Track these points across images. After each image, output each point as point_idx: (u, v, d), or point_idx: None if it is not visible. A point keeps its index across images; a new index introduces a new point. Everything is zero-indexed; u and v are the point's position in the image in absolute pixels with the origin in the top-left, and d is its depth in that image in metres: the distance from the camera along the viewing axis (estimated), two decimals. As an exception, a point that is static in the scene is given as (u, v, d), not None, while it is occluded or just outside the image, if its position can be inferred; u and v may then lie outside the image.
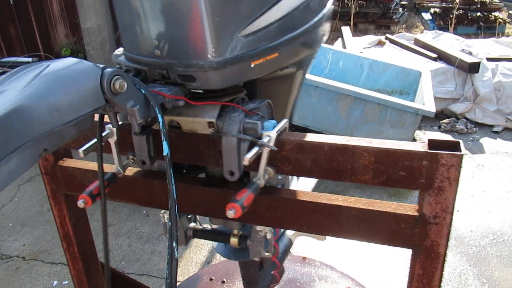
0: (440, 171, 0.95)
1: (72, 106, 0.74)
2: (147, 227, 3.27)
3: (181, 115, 1.03)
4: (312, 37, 1.08)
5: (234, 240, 1.34)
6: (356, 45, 5.91)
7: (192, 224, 1.40)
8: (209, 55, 0.89)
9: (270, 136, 0.97)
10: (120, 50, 1.14)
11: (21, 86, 0.68)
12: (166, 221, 1.36)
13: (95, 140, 1.05)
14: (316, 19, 1.05)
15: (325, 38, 1.16)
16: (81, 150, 1.02)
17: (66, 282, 2.72)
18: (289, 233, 1.51)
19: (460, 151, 0.95)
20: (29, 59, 7.15)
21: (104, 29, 5.90)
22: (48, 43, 7.40)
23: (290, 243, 1.50)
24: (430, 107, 3.80)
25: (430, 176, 0.96)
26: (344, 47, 5.90)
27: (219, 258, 2.87)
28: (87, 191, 1.04)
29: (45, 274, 2.80)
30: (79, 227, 1.50)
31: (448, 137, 4.47)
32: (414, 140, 4.34)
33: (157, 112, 0.88)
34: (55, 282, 2.72)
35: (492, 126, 4.56)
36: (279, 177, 1.16)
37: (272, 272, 1.62)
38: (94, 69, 0.78)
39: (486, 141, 4.33)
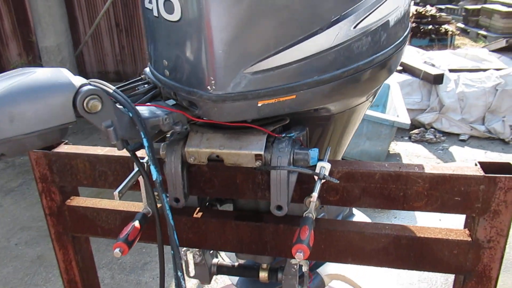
0: (497, 194, 0.94)
1: (36, 118, 0.74)
2: (129, 256, 3.08)
3: (224, 147, 0.95)
4: (352, 82, 0.91)
5: (263, 275, 1.26)
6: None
7: (215, 260, 1.31)
8: (208, 87, 0.82)
9: (325, 167, 0.92)
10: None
11: None
12: (189, 259, 1.26)
13: (128, 179, 0.95)
14: (361, 63, 0.89)
15: (377, 83, 1.02)
16: (116, 192, 0.91)
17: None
18: (323, 273, 1.44)
19: (516, 174, 0.94)
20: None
21: (64, 48, 5.63)
22: (0, 62, 6.97)
23: (322, 285, 1.43)
24: (404, 119, 3.90)
25: (487, 200, 0.95)
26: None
27: (211, 286, 2.75)
28: (123, 238, 0.93)
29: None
30: (86, 272, 1.36)
31: (419, 147, 4.60)
32: (388, 151, 4.44)
33: (142, 135, 0.84)
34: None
35: (458, 134, 4.75)
36: (320, 207, 1.10)
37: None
38: (69, 85, 0.77)
39: (455, 150, 4.50)
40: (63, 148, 1.18)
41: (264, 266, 1.27)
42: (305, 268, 1.19)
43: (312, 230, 0.90)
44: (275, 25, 0.81)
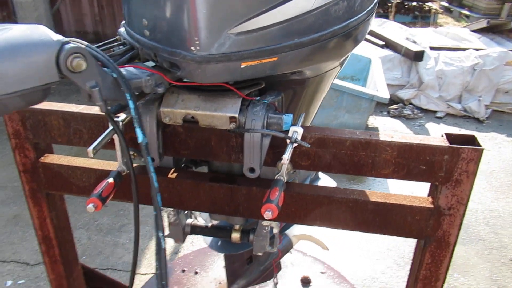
0: (459, 165, 0.98)
1: (18, 77, 0.72)
2: (106, 218, 3.11)
3: (199, 109, 0.96)
4: (330, 46, 0.94)
5: (236, 236, 1.30)
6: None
7: (190, 220, 1.34)
8: (192, 47, 0.82)
9: (297, 131, 0.94)
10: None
11: None
12: (171, 220, 1.28)
13: (102, 136, 0.95)
14: (337, 26, 0.93)
15: (350, 47, 1.04)
16: (90, 149, 0.91)
17: (22, 281, 2.52)
18: (291, 234, 1.49)
19: (480, 145, 0.98)
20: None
21: (40, 4, 5.41)
22: (-28, 18, 6.67)
23: (289, 245, 1.48)
24: (384, 93, 3.95)
25: (450, 170, 0.99)
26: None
27: (187, 248, 2.81)
28: (96, 194, 0.94)
29: (-7, 274, 2.57)
30: (60, 229, 1.38)
31: (397, 122, 4.69)
32: (366, 125, 4.51)
33: (128, 97, 0.83)
34: (9, 282, 2.51)
35: (435, 112, 4.85)
36: (292, 171, 1.13)
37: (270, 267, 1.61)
38: (52, 42, 0.74)
39: (431, 126, 4.61)
40: (38, 105, 1.17)
41: (237, 227, 1.30)
42: (275, 230, 1.23)
43: (282, 192, 0.92)
44: None
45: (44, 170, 1.23)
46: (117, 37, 1.04)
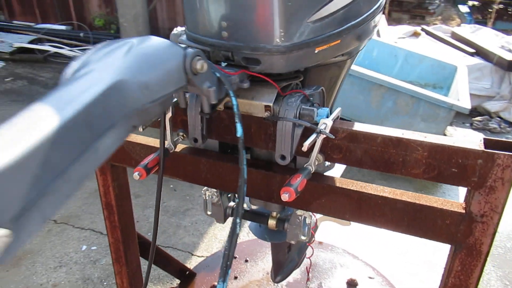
0: (494, 171, 0.95)
1: (159, 85, 0.75)
2: (173, 201, 3.34)
3: (238, 97, 1.05)
4: (369, 26, 1.08)
5: (272, 222, 1.37)
6: (391, 34, 5.79)
7: (232, 203, 1.44)
8: (277, 39, 0.90)
9: (326, 123, 0.98)
10: (178, 29, 1.15)
11: (113, 63, 0.69)
12: (207, 198, 1.39)
13: (152, 115, 1.08)
14: (374, 8, 1.06)
15: (376, 29, 1.17)
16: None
17: (95, 247, 2.82)
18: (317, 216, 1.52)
19: (517, 153, 0.95)
20: (63, 27, 7.25)
21: (138, 2, 5.91)
22: (82, 12, 7.47)
23: (315, 228, 1.51)
24: (465, 103, 3.72)
25: (483, 175, 0.97)
26: (379, 35, 5.79)
27: (242, 238, 2.92)
28: (143, 164, 1.08)
29: (75, 238, 2.91)
30: (121, 198, 1.55)
31: (480, 135, 4.38)
32: (444, 135, 4.28)
33: (232, 95, 0.90)
34: (84, 247, 2.82)
35: (526, 127, 4.46)
36: (326, 164, 1.17)
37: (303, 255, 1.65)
38: (178, 49, 0.79)
39: (519, 142, 4.23)
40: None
41: (274, 214, 1.37)
42: (308, 220, 1.28)
43: (305, 179, 0.98)
44: None
45: (110, 144, 1.41)
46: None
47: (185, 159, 1.29)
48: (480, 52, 4.99)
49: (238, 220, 0.88)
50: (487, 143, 0.98)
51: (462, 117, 4.45)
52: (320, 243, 2.56)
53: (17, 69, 6.33)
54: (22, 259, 2.70)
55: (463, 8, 9.58)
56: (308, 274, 2.26)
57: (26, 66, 6.43)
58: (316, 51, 0.95)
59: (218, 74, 0.89)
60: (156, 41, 0.78)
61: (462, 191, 3.48)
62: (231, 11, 0.93)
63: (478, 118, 4.56)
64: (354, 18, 1.01)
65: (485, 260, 1.06)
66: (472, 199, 1.00)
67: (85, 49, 6.62)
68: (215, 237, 2.98)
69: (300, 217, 1.28)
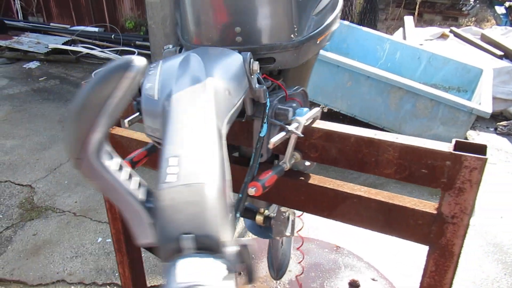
0: (462, 172, 0.97)
1: (236, 89, 0.80)
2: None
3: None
4: (337, 20, 1.14)
5: (259, 218, 1.41)
6: (418, 36, 5.69)
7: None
8: (292, 35, 0.96)
9: (299, 122, 1.02)
10: (170, 47, 1.13)
11: (198, 71, 0.75)
12: None
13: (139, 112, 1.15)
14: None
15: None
16: (126, 120, 1.11)
17: (109, 240, 2.94)
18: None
19: (485, 155, 0.95)
20: (96, 29, 7.54)
21: (166, 5, 6.07)
22: (114, 15, 7.75)
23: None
24: (486, 107, 3.63)
25: (452, 177, 0.98)
26: (405, 37, 5.70)
27: (250, 235, 2.97)
28: (129, 158, 1.14)
29: (91, 231, 3.05)
30: (122, 190, 1.63)
31: (504, 140, 4.25)
32: (466, 139, 4.17)
33: (266, 96, 0.95)
34: (100, 239, 2.95)
35: (554, 133, 4.28)
36: (307, 163, 1.21)
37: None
38: (239, 55, 0.85)
39: (546, 149, 4.08)
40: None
41: (261, 210, 1.42)
42: (292, 217, 1.32)
43: (275, 175, 1.02)
44: None
45: (110, 140, 1.49)
46: None
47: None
48: (509, 55, 4.83)
49: (238, 215, 0.94)
50: (458, 145, 0.99)
51: (486, 121, 4.33)
52: (337, 247, 2.56)
53: (51, 69, 6.64)
54: (41, 248, 2.86)
55: (500, 9, 9.25)
56: (302, 269, 2.28)
57: (59, 66, 6.74)
58: (318, 42, 1.02)
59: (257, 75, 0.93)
60: (218, 50, 0.84)
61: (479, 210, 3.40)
62: (244, 16, 0.97)
63: (503, 123, 4.42)
64: (336, 7, 1.08)
65: (457, 261, 1.07)
66: (443, 200, 1.01)
67: (115, 50, 6.87)
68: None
69: (284, 214, 1.31)
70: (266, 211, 1.42)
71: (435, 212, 1.04)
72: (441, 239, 1.05)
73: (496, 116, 4.60)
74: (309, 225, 2.83)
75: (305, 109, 1.07)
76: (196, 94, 0.71)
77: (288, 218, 1.32)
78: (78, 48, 6.98)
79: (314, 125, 1.09)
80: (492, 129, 4.45)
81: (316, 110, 1.09)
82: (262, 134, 0.97)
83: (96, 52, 6.88)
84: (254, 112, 1.07)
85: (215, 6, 0.97)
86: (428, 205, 1.06)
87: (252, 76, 0.86)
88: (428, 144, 1.00)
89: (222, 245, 0.47)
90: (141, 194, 0.55)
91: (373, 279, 2.30)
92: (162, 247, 0.47)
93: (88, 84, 0.52)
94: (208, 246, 0.46)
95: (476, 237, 3.01)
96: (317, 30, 1.01)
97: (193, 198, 0.51)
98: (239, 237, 3.04)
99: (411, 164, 1.01)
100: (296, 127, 1.02)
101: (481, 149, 0.97)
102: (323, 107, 4.69)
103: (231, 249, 0.47)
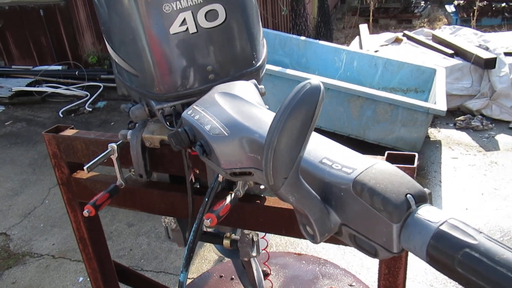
0: (395, 181, 1.07)
1: None
2: (166, 227, 3.47)
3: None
4: None
5: (226, 242, 1.49)
6: (373, 43, 5.93)
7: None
8: (253, 61, 1.08)
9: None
10: (138, 106, 1.14)
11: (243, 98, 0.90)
12: (166, 225, 1.52)
13: (97, 158, 1.22)
14: None
15: None
16: (85, 167, 1.18)
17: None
18: None
19: (413, 164, 1.06)
20: (59, 67, 7.53)
21: (127, 37, 6.15)
22: (77, 51, 7.76)
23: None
24: (441, 106, 3.82)
25: (387, 186, 1.08)
26: (361, 45, 5.93)
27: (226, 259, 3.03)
28: (91, 202, 1.21)
29: (72, 271, 3.04)
30: (93, 231, 1.68)
31: (463, 134, 4.46)
32: (428, 137, 4.37)
33: None
34: (81, 278, 2.95)
35: (509, 122, 4.52)
36: (262, 186, 1.30)
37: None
38: (248, 82, 0.97)
39: (502, 138, 4.30)
40: (68, 132, 1.49)
41: (228, 234, 1.49)
42: (255, 238, 1.40)
43: (229, 204, 1.10)
44: None
45: (76, 183, 1.55)
46: (159, 111, 1.08)
47: (140, 192, 1.42)
48: (459, 53, 5.09)
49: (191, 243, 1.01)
50: (390, 156, 1.10)
51: (446, 118, 4.54)
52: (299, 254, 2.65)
53: (17, 112, 6.58)
54: (22, 295, 2.84)
55: (450, 8, 9.69)
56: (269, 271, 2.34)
57: (25, 108, 6.68)
58: (265, 62, 1.14)
59: None
60: (233, 83, 0.98)
61: (445, 203, 3.56)
62: (214, 55, 1.04)
63: (461, 117, 4.64)
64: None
65: (406, 263, 1.16)
66: (383, 207, 1.11)
67: (81, 86, 6.87)
68: (205, 258, 3.09)
69: (248, 236, 1.39)
70: (233, 234, 1.49)
71: (378, 219, 1.14)
72: (388, 243, 1.15)
73: (454, 112, 4.83)
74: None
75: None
76: (266, 115, 0.82)
77: (252, 239, 1.40)
78: (43, 88, 6.95)
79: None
80: (451, 125, 4.66)
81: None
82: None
83: (62, 90, 6.86)
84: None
85: (187, 51, 1.02)
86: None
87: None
88: (363, 159, 1.10)
89: (429, 196, 0.59)
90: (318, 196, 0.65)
91: (350, 285, 2.38)
92: (395, 211, 0.57)
93: (289, 111, 0.59)
94: (422, 199, 0.58)
95: (446, 230, 3.14)
96: (265, 52, 1.14)
97: (385, 172, 0.62)
98: (217, 262, 3.09)
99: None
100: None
101: (410, 159, 1.08)
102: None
103: (431, 197, 0.61)
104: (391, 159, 1.08)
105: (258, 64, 1.09)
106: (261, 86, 1.02)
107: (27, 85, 7.06)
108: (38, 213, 3.80)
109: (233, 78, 1.06)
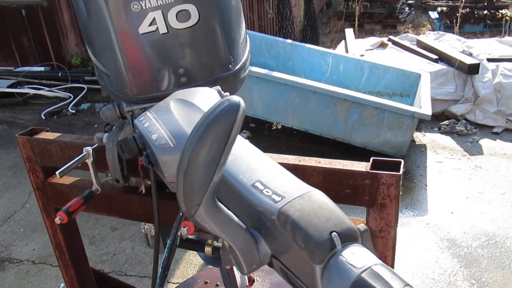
0: (381, 189, 1.04)
1: None
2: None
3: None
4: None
5: (208, 250, 1.44)
6: (359, 47, 5.95)
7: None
8: (230, 66, 1.03)
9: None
10: (109, 106, 1.12)
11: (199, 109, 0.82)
12: (145, 231, 1.47)
13: (71, 162, 1.17)
14: None
15: None
16: (57, 172, 1.13)
17: (70, 285, 2.86)
18: None
19: (399, 171, 1.03)
20: (42, 69, 7.38)
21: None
22: (60, 52, 7.62)
23: None
24: (426, 110, 3.84)
25: (373, 194, 1.05)
26: (347, 49, 5.95)
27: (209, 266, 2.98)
28: (64, 209, 1.15)
29: (53, 277, 2.95)
30: (69, 237, 1.62)
31: (447, 138, 4.49)
32: (413, 141, 4.38)
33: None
34: (62, 284, 2.87)
35: (492, 127, 4.57)
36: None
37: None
38: (211, 89, 0.89)
39: (486, 143, 4.34)
40: (43, 135, 1.43)
41: (209, 242, 1.45)
42: (238, 246, 1.36)
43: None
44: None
45: (51, 188, 1.49)
46: (129, 113, 1.06)
47: (117, 198, 1.37)
48: (443, 58, 5.13)
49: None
50: (375, 163, 1.07)
51: (430, 122, 4.57)
52: None
53: (-3, 113, 6.43)
54: (-2, 304, 2.74)
55: (433, 14, 9.80)
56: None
57: (6, 110, 6.53)
58: (246, 66, 1.09)
59: None
60: (191, 90, 0.90)
61: (431, 207, 3.56)
62: (186, 57, 1.00)
63: (446, 122, 4.67)
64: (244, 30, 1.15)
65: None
66: (368, 216, 1.09)
67: (64, 88, 6.74)
68: (190, 262, 3.03)
69: (230, 243, 1.35)
70: (215, 241, 1.45)
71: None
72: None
73: (439, 116, 4.86)
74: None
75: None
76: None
77: (234, 247, 1.35)
78: (25, 90, 6.80)
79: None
80: (436, 129, 4.69)
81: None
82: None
83: (44, 92, 6.73)
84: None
85: (158, 52, 0.99)
86: (357, 222, 1.13)
87: None
88: (347, 165, 1.07)
89: (359, 234, 0.53)
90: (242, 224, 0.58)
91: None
92: (316, 250, 0.50)
93: (203, 131, 0.53)
94: (350, 238, 0.51)
95: (431, 234, 3.15)
96: (246, 55, 1.09)
97: (315, 204, 0.55)
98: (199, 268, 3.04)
99: (335, 186, 1.08)
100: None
101: (396, 165, 1.06)
102: (277, 125, 4.80)
103: (365, 235, 0.53)
104: (376, 166, 1.05)
105: (235, 68, 1.04)
106: (226, 93, 0.92)
107: (8, 87, 6.90)
108: (18, 218, 3.69)
109: (206, 82, 1.01)
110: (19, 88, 6.89)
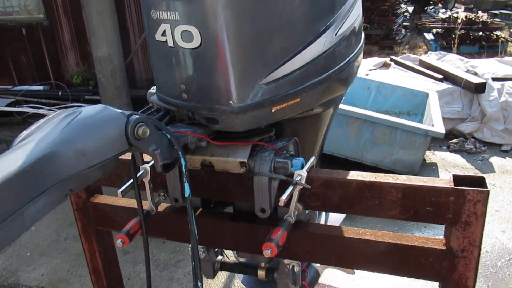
0: (466, 206, 0.99)
1: (97, 151, 0.79)
2: (163, 254, 3.28)
3: (214, 155, 1.08)
4: (337, 80, 1.10)
5: (261, 273, 1.37)
6: (362, 67, 6.00)
7: (220, 257, 1.43)
8: (231, 101, 0.95)
9: (301, 175, 1.01)
10: (154, 88, 1.20)
11: (54, 132, 0.75)
12: (201, 257, 1.39)
13: (131, 180, 1.10)
14: (342, 63, 1.08)
15: (352, 80, 1.18)
16: (119, 191, 1.06)
17: (85, 311, 2.73)
18: (317, 264, 1.53)
19: (486, 187, 0.99)
20: (41, 87, 7.29)
21: (115, 58, 6.02)
22: (59, 71, 7.54)
23: (317, 275, 1.52)
24: (439, 128, 3.84)
25: (457, 211, 1.00)
26: (350, 69, 5.97)
27: (237, 285, 2.88)
28: (125, 231, 1.08)
29: (63, 304, 2.81)
30: (108, 262, 1.53)
31: (457, 156, 4.49)
32: (424, 160, 4.37)
33: (180, 155, 0.93)
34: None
35: (500, 145, 4.59)
36: (307, 211, 1.20)
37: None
38: (120, 117, 0.84)
39: (496, 160, 4.35)
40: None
41: (262, 265, 1.37)
42: (297, 269, 1.29)
43: (286, 231, 0.99)
44: (281, 40, 0.96)
45: (93, 209, 1.41)
46: (150, 104, 1.16)
47: (169, 219, 1.30)
48: (448, 77, 5.19)
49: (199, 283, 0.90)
50: (456, 179, 1.02)
51: (439, 141, 4.57)
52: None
53: (-4, 132, 6.29)
54: (8, 333, 2.59)
55: (429, 36, 10.00)
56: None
57: (4, 129, 6.40)
58: (273, 110, 0.98)
59: (168, 136, 0.92)
60: (99, 109, 0.83)
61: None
62: (189, 76, 0.99)
63: (454, 140, 4.69)
64: (314, 76, 1.03)
65: None
66: (451, 235, 1.03)
67: (64, 107, 6.64)
68: (209, 286, 2.92)
69: (288, 266, 1.28)
70: (267, 264, 1.38)
71: (444, 248, 1.05)
72: (454, 274, 1.06)
73: (447, 135, 4.86)
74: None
75: (300, 159, 1.07)
76: (15, 156, 0.71)
77: (293, 269, 1.28)
78: (24, 109, 6.69)
79: (312, 173, 1.09)
80: (445, 147, 4.69)
81: (312, 159, 1.09)
82: (186, 194, 0.96)
83: (44, 111, 6.61)
84: (253, 168, 1.06)
85: (166, 61, 1.02)
86: (436, 241, 1.08)
87: (140, 140, 0.84)
88: (428, 182, 1.02)
89: None
90: None
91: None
92: None
93: None
94: None
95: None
96: (269, 99, 0.97)
97: None
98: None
99: (415, 203, 1.03)
100: (300, 179, 1.01)
101: (480, 181, 1.01)
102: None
103: None
104: (459, 182, 1.00)
105: (237, 106, 0.94)
106: (142, 128, 0.86)
107: (7, 105, 6.78)
108: (24, 241, 3.55)
109: (205, 108, 0.98)
110: (18, 107, 6.77)
